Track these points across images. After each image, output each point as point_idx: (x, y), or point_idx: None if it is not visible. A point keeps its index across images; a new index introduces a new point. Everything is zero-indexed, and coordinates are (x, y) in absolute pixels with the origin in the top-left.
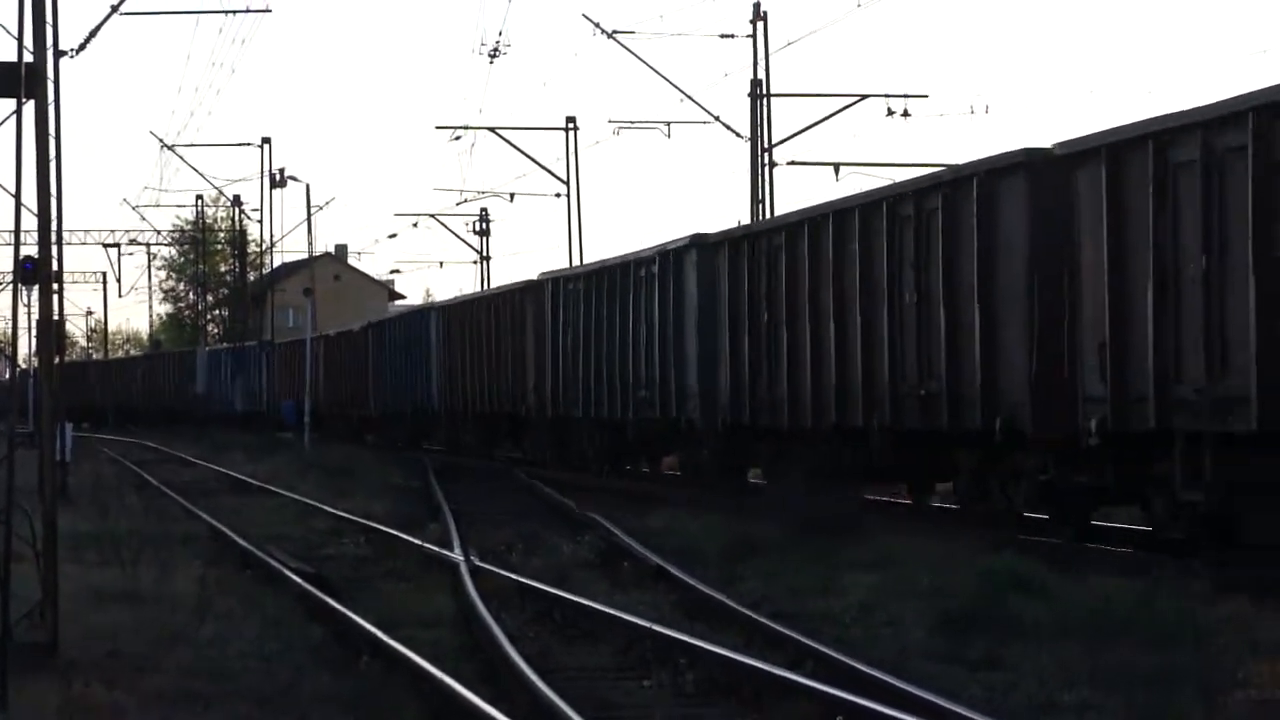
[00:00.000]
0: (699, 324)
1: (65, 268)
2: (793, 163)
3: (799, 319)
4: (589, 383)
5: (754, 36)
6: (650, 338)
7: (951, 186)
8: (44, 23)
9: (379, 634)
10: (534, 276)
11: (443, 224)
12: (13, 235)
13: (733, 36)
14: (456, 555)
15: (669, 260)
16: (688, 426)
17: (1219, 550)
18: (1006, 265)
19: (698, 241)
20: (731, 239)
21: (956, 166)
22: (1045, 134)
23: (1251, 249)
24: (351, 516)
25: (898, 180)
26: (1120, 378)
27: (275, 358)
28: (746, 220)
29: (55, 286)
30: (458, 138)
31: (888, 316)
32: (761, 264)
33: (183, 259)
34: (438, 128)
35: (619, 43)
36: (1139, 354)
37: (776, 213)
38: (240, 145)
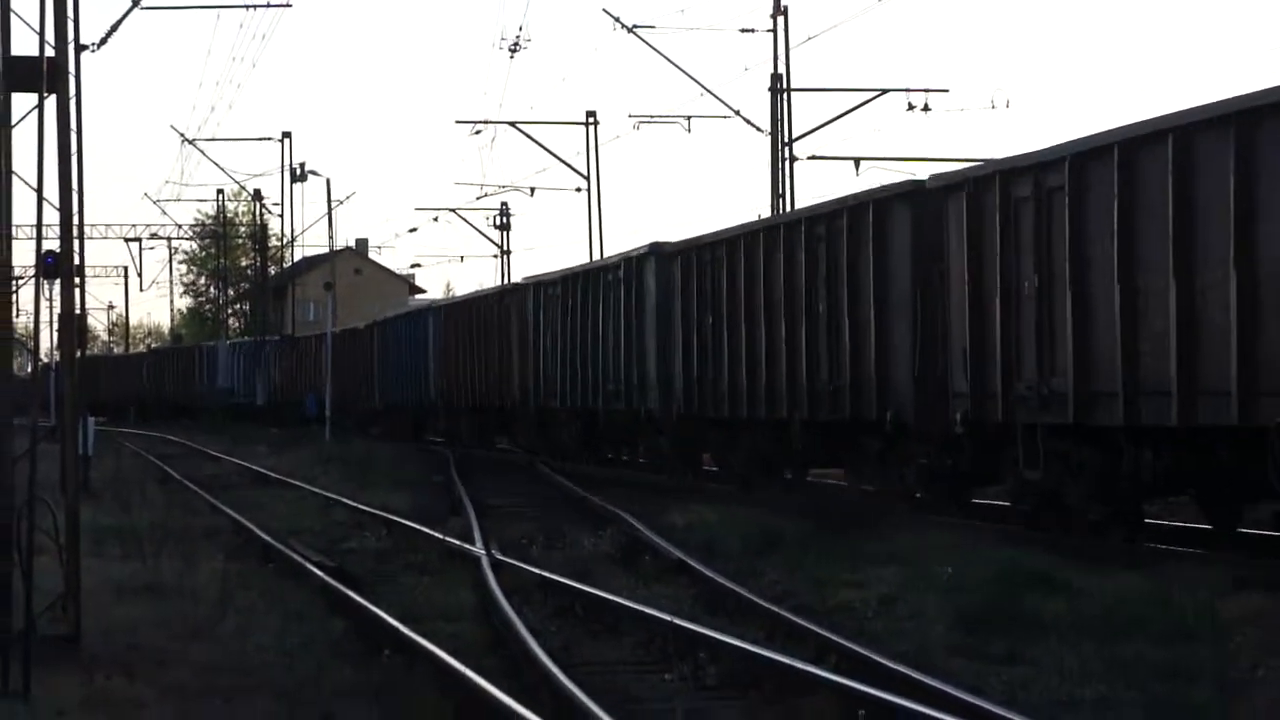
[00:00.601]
0: (657, 325)
1: (87, 262)
2: (813, 157)
3: (736, 323)
4: (565, 377)
5: (774, 31)
6: (616, 336)
7: (853, 211)
8: (65, 17)
9: (401, 627)
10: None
11: (463, 218)
12: (34, 230)
13: (753, 31)
14: (478, 549)
15: (632, 267)
16: (648, 417)
17: (1059, 521)
18: (896, 280)
19: (655, 250)
20: (683, 249)
21: (858, 193)
22: (1066, 129)
23: (1069, 271)
24: (372, 510)
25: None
26: (978, 377)
27: (279, 352)
28: (767, 214)
29: (77, 281)
30: (478, 132)
31: (805, 323)
32: (708, 273)
33: (203, 253)
34: (458, 122)
35: (639, 37)
36: (991, 357)
37: (797, 206)
38: (261, 140)
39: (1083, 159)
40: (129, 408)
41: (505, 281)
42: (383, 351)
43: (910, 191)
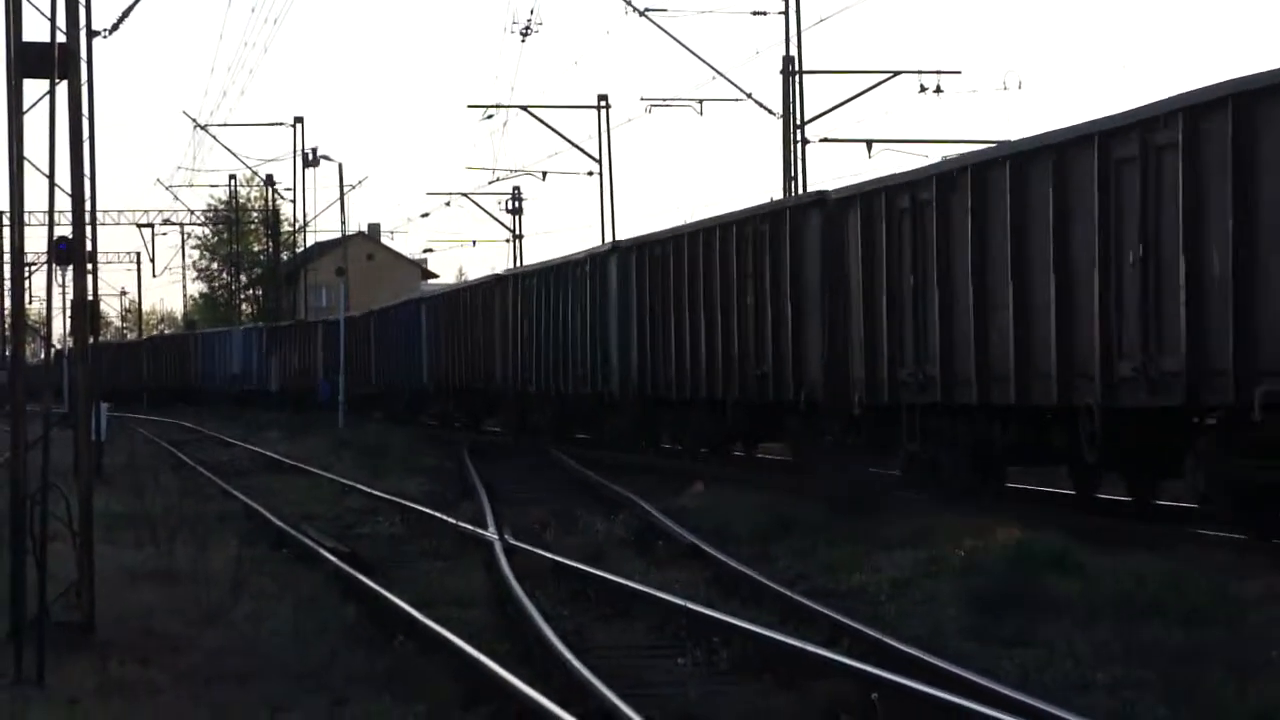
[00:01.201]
0: (618, 315)
1: (99, 248)
2: (825, 140)
3: (682, 313)
4: (540, 363)
5: (786, 13)
6: (584, 326)
7: (773, 216)
8: (76, 3)
9: (414, 613)
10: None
11: (475, 203)
12: (46, 216)
13: (765, 14)
14: (491, 534)
15: (597, 262)
16: (610, 399)
17: (934, 486)
18: (808, 278)
19: (616, 246)
20: (637, 245)
21: (778, 201)
22: (1077, 110)
23: (936, 274)
24: (386, 495)
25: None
26: (870, 364)
27: (290, 338)
28: (779, 196)
29: (89, 267)
30: (490, 116)
31: (736, 315)
32: (658, 267)
33: (216, 238)
34: (470, 106)
35: (651, 20)
36: (879, 347)
37: (809, 189)
38: (273, 125)
39: (945, 178)
40: (141, 393)
41: (518, 265)
42: (380, 339)
43: (819, 201)
